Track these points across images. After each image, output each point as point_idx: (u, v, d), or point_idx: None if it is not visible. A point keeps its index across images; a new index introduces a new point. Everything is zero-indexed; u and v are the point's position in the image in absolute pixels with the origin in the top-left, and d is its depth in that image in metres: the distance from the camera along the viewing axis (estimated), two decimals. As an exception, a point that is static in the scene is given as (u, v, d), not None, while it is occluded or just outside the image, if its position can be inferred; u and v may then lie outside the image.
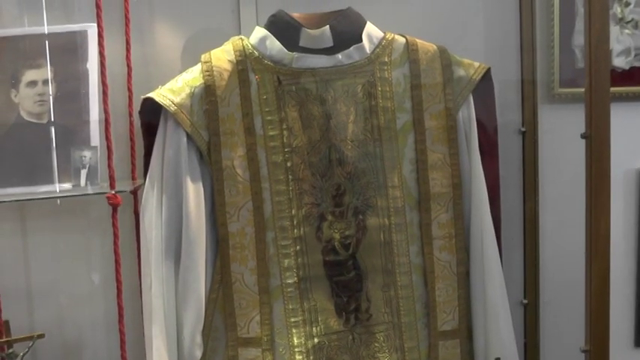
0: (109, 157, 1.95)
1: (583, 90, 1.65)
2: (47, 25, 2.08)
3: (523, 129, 2.23)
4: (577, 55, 2.18)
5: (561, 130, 2.19)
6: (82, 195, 2.03)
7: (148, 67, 2.17)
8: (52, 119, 2.05)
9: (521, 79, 2.21)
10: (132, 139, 2.13)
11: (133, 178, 2.14)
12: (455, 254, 1.98)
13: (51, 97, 2.03)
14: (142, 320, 1.93)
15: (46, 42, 2.07)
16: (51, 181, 2.03)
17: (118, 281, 1.97)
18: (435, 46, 1.98)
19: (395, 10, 2.20)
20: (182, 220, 1.88)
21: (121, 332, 2.00)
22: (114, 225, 1.96)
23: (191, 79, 1.91)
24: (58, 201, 2.11)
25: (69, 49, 2.07)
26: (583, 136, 1.63)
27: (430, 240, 1.96)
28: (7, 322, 2.03)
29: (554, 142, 2.22)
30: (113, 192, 1.94)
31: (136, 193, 2.13)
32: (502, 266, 1.99)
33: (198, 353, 1.92)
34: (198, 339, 1.91)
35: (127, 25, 2.11)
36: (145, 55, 2.17)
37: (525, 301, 2.28)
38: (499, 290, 1.97)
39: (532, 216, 2.26)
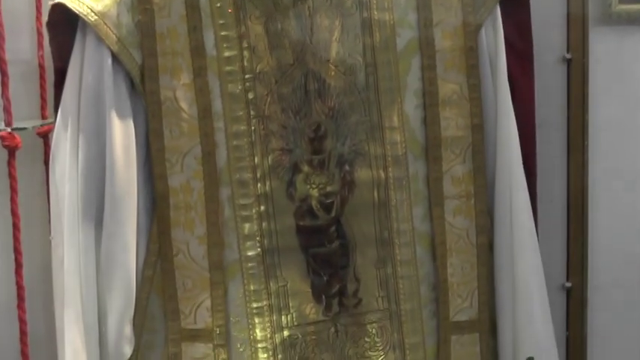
0: (4, 84, 1.73)
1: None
2: None
3: (568, 56, 2.03)
4: (642, -39, 2.03)
5: (618, 58, 2.02)
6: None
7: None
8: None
9: (567, -7, 2.10)
10: (41, 65, 1.89)
11: (43, 117, 1.91)
12: (474, 219, 1.79)
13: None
14: (52, 304, 1.73)
15: None
16: None
17: (18, 252, 1.77)
18: (450, -62, 1.82)
19: None
20: (105, 171, 1.67)
21: (22, 320, 1.80)
22: (11, 175, 1.75)
23: (118, -20, 1.72)
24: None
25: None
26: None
27: (441, 200, 1.77)
28: None
29: (609, 73, 2.03)
30: (9, 130, 1.72)
31: (46, 136, 1.90)
32: (538, 237, 1.80)
33: (128, 349, 1.71)
34: (128, 331, 1.70)
35: None
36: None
37: (568, 285, 2.08)
38: (533, 269, 1.77)
39: (578, 171, 2.05)
